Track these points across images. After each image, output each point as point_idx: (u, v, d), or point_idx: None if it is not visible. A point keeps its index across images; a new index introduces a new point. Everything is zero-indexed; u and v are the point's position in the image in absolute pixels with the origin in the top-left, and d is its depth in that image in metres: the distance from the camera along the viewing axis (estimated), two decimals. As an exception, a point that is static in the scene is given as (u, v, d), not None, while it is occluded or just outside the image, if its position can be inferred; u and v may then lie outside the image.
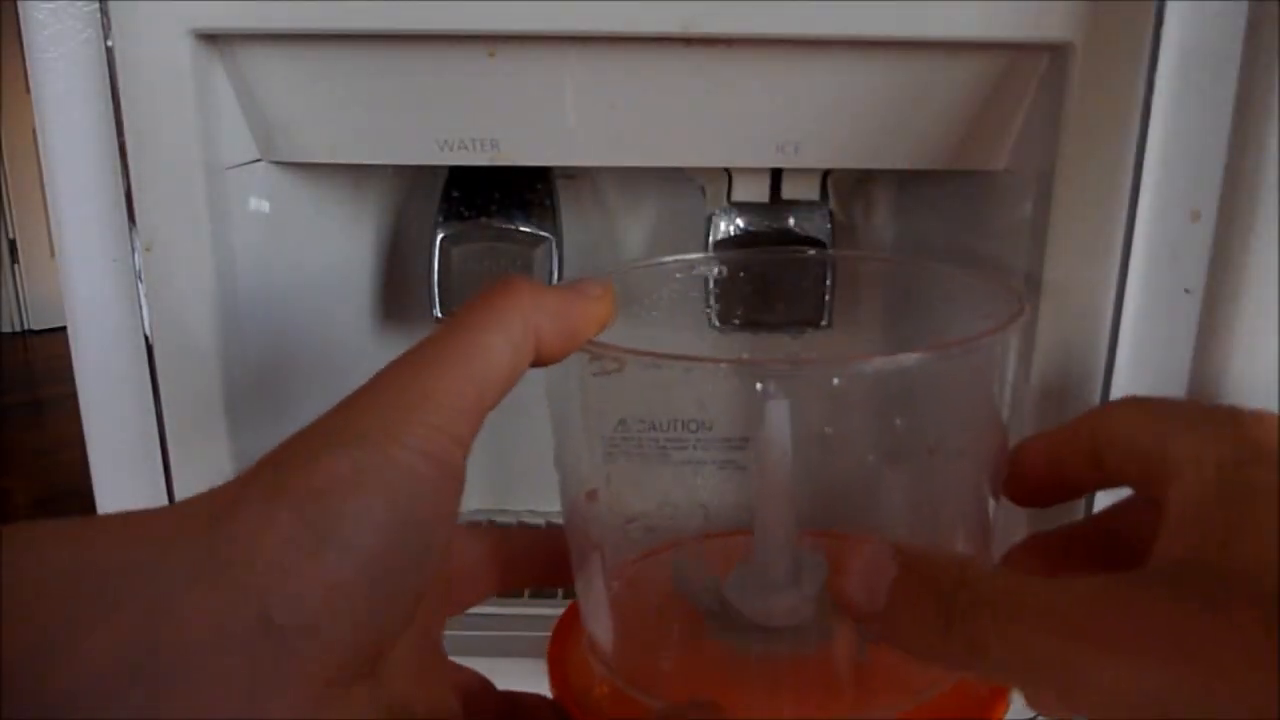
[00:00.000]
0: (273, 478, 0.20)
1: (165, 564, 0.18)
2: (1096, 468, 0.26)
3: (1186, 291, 0.35)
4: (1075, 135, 0.33)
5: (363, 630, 0.20)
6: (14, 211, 3.11)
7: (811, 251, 0.44)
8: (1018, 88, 0.35)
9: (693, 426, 0.35)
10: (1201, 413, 0.24)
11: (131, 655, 0.17)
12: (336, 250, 0.48)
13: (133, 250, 0.35)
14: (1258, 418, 0.23)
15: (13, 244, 3.19)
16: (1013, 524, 0.38)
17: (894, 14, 0.32)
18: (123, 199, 0.34)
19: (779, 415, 0.28)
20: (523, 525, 0.44)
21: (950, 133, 0.37)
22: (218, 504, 0.19)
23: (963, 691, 0.29)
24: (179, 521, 0.19)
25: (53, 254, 0.35)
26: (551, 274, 0.47)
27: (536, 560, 0.31)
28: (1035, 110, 0.36)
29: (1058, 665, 0.20)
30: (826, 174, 0.45)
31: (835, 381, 0.26)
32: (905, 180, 0.50)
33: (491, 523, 0.30)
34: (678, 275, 0.41)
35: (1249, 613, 0.19)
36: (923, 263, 0.37)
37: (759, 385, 0.28)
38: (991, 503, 0.30)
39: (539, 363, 0.25)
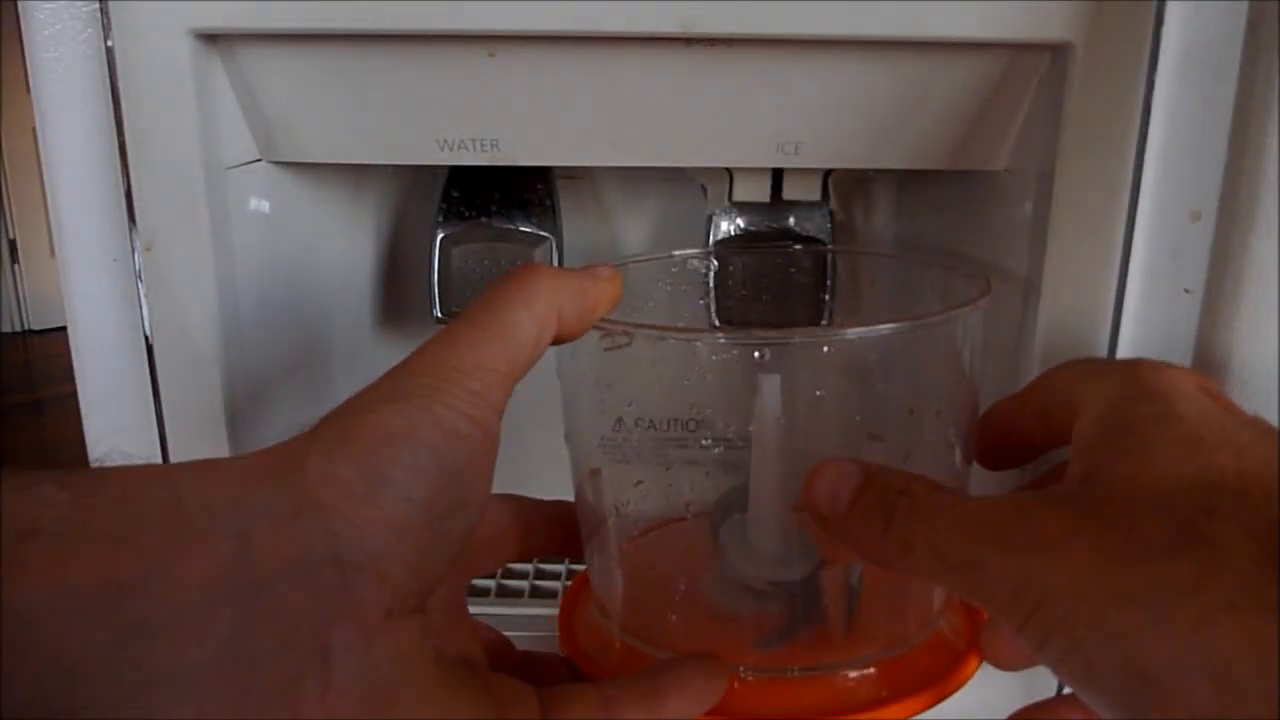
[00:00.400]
0: (332, 433, 0.22)
1: (248, 503, 0.21)
2: (1048, 427, 0.29)
3: (1186, 291, 0.35)
4: (1075, 135, 0.33)
5: (415, 567, 0.22)
6: (14, 211, 3.11)
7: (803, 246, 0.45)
8: (1018, 88, 0.35)
9: (692, 415, 0.35)
10: (1111, 365, 0.28)
11: (225, 580, 0.20)
12: (336, 250, 0.48)
13: (133, 250, 0.35)
14: (1154, 365, 0.27)
15: (13, 244, 3.19)
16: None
17: (894, 14, 0.32)
18: (123, 199, 0.34)
19: (772, 387, 0.30)
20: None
21: (950, 133, 0.37)
22: (290, 455, 0.22)
23: (938, 645, 0.32)
24: (257, 467, 0.22)
25: (53, 254, 0.35)
26: (551, 274, 0.46)
27: (553, 529, 0.33)
28: (1035, 110, 0.36)
29: (966, 564, 0.23)
30: (827, 174, 0.45)
31: (825, 349, 0.29)
32: (905, 180, 0.50)
33: (512, 494, 0.33)
34: (673, 270, 0.42)
35: (1114, 518, 0.22)
36: (914, 259, 0.40)
37: (756, 354, 0.30)
38: (965, 464, 0.32)
39: (559, 339, 0.27)
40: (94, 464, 0.37)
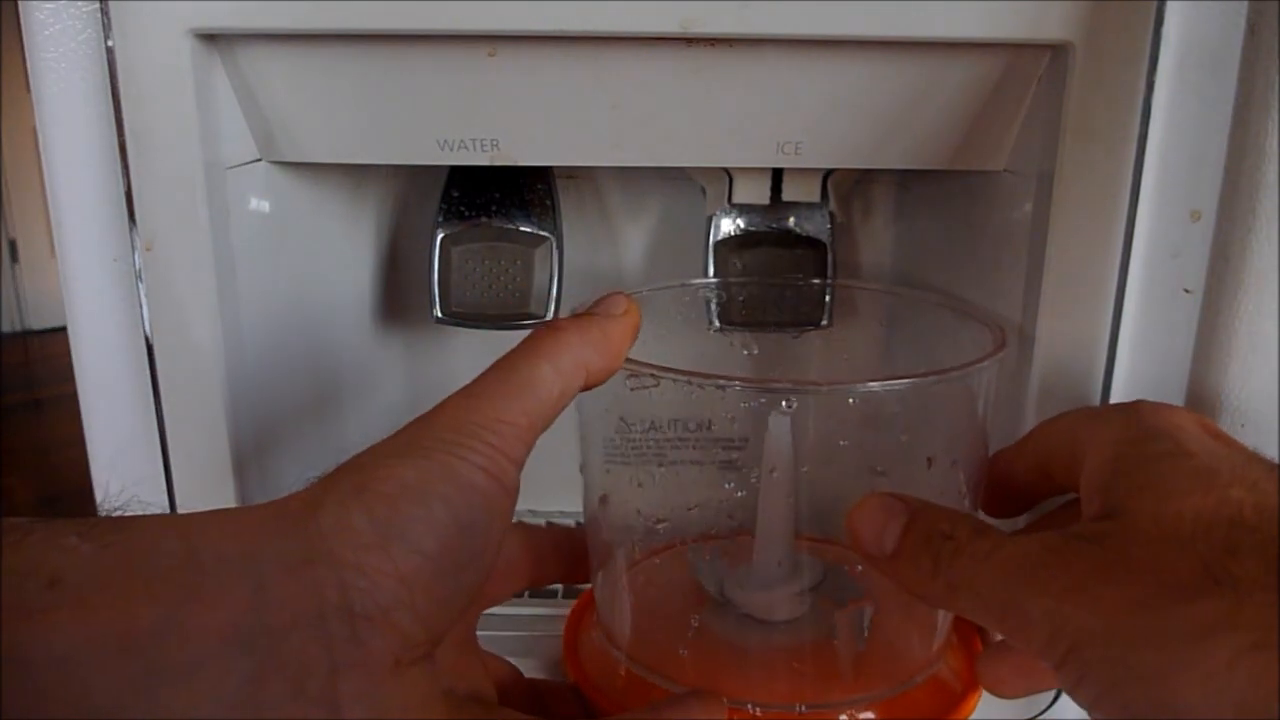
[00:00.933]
0: (347, 483, 0.23)
1: (262, 554, 0.21)
2: (1046, 477, 0.30)
3: (1186, 291, 0.35)
4: (1075, 135, 0.33)
5: (425, 618, 0.22)
6: (14, 211, 3.11)
7: (813, 280, 0.45)
8: (1018, 88, 0.35)
9: (693, 427, 0.36)
10: (1108, 409, 0.29)
11: (238, 629, 0.20)
12: (336, 250, 0.48)
13: (133, 250, 0.35)
14: (1152, 406, 0.28)
15: (13, 244, 3.19)
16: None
17: (894, 14, 0.32)
18: (123, 199, 0.34)
19: (782, 429, 0.31)
20: (550, 524, 0.44)
21: (950, 133, 0.37)
22: (304, 505, 0.22)
23: (938, 684, 0.33)
24: (274, 518, 0.22)
25: (53, 254, 0.35)
26: (551, 274, 0.47)
27: (562, 556, 0.33)
28: (1035, 110, 0.36)
29: (1006, 607, 0.24)
30: (827, 175, 0.45)
31: (850, 401, 0.29)
32: (906, 180, 0.50)
33: (522, 522, 0.33)
34: (685, 299, 0.42)
35: (1140, 558, 0.23)
36: (911, 293, 0.41)
37: (783, 403, 0.31)
38: (974, 510, 0.33)
39: (588, 386, 0.28)
40: (102, 503, 0.37)
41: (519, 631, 0.36)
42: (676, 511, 0.35)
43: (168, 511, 0.37)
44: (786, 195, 0.45)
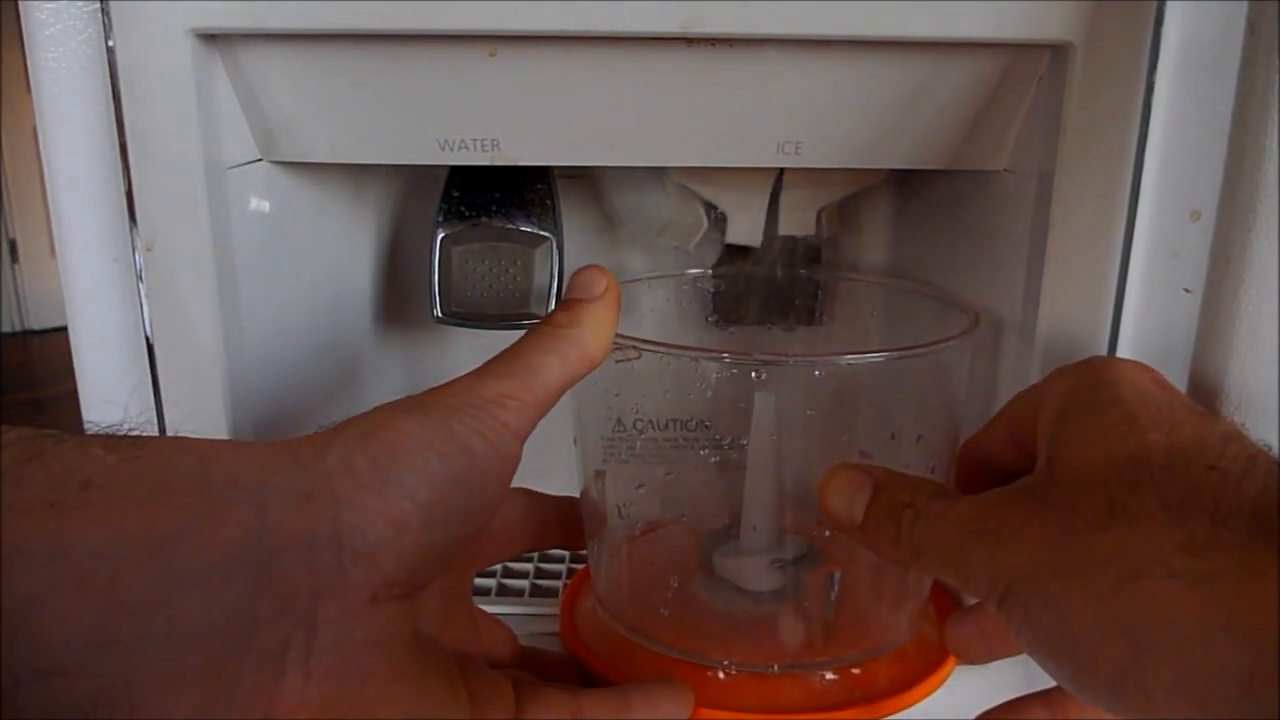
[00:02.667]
0: (357, 428, 0.25)
1: (271, 483, 0.23)
2: (1019, 447, 0.31)
3: (1186, 291, 0.35)
4: (1075, 135, 0.33)
5: (409, 561, 0.24)
6: (14, 211, 3.11)
7: (802, 272, 0.47)
8: (1018, 88, 0.35)
9: (692, 423, 0.36)
10: (1066, 367, 0.30)
11: (243, 546, 0.22)
12: (336, 250, 0.48)
13: (133, 250, 0.35)
14: (1104, 360, 0.29)
15: (13, 244, 3.19)
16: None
17: (894, 14, 0.32)
18: (123, 199, 0.34)
19: (766, 404, 0.33)
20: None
21: (950, 133, 0.37)
22: (313, 445, 0.24)
23: (910, 652, 0.34)
24: (284, 453, 0.24)
25: (53, 254, 0.35)
26: (551, 274, 0.47)
27: (562, 522, 0.35)
28: (1035, 110, 0.36)
29: (957, 560, 0.26)
30: (822, 210, 0.46)
31: (817, 373, 0.31)
32: (904, 180, 0.50)
33: (526, 489, 0.35)
34: (682, 287, 0.43)
35: (1060, 500, 0.24)
36: (899, 284, 0.44)
37: (754, 374, 0.33)
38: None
39: (590, 369, 0.30)
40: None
41: (519, 630, 0.36)
42: (669, 493, 0.37)
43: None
44: (782, 230, 0.46)
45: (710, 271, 0.46)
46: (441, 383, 0.27)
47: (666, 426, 0.36)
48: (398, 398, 0.27)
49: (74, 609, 0.20)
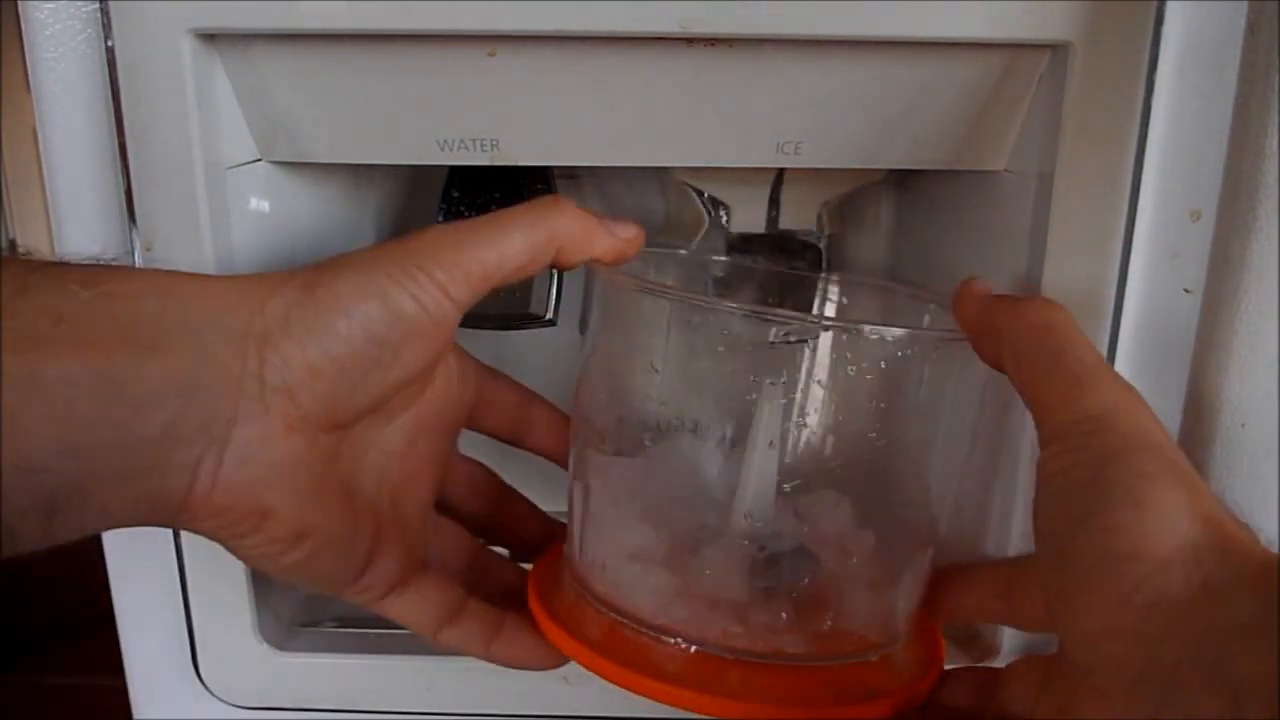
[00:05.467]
0: (303, 279, 0.28)
1: (216, 324, 0.27)
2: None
3: (1186, 291, 0.35)
4: (1075, 135, 0.33)
5: (327, 403, 0.28)
6: (14, 211, 3.11)
7: (816, 275, 0.46)
8: (1018, 88, 0.35)
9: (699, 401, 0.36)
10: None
11: (182, 380, 0.26)
12: (336, 250, 0.47)
13: (133, 250, 0.35)
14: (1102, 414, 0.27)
15: (13, 244, 3.19)
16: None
17: (894, 14, 0.32)
18: (123, 199, 0.34)
19: (773, 404, 0.32)
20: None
21: (950, 133, 0.37)
22: (266, 288, 0.28)
23: (900, 659, 0.34)
24: (237, 292, 0.28)
25: (53, 254, 0.35)
26: (551, 274, 0.47)
27: (551, 429, 0.38)
28: (1035, 110, 0.36)
29: None
30: (823, 206, 0.46)
31: (845, 337, 0.32)
32: (904, 180, 0.50)
33: (521, 387, 0.39)
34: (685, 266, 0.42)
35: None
36: (907, 291, 0.42)
37: (776, 333, 0.32)
38: (945, 496, 0.34)
39: (556, 265, 0.32)
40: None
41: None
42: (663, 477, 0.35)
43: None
44: (783, 224, 0.46)
45: (716, 257, 0.46)
46: (408, 234, 0.30)
47: (663, 424, 0.36)
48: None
49: (45, 423, 0.24)
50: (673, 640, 0.31)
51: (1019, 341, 0.29)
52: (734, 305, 0.32)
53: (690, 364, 0.34)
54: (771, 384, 0.32)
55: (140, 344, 0.26)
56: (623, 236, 0.33)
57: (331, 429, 0.29)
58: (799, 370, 0.32)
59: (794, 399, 0.32)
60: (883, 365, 0.32)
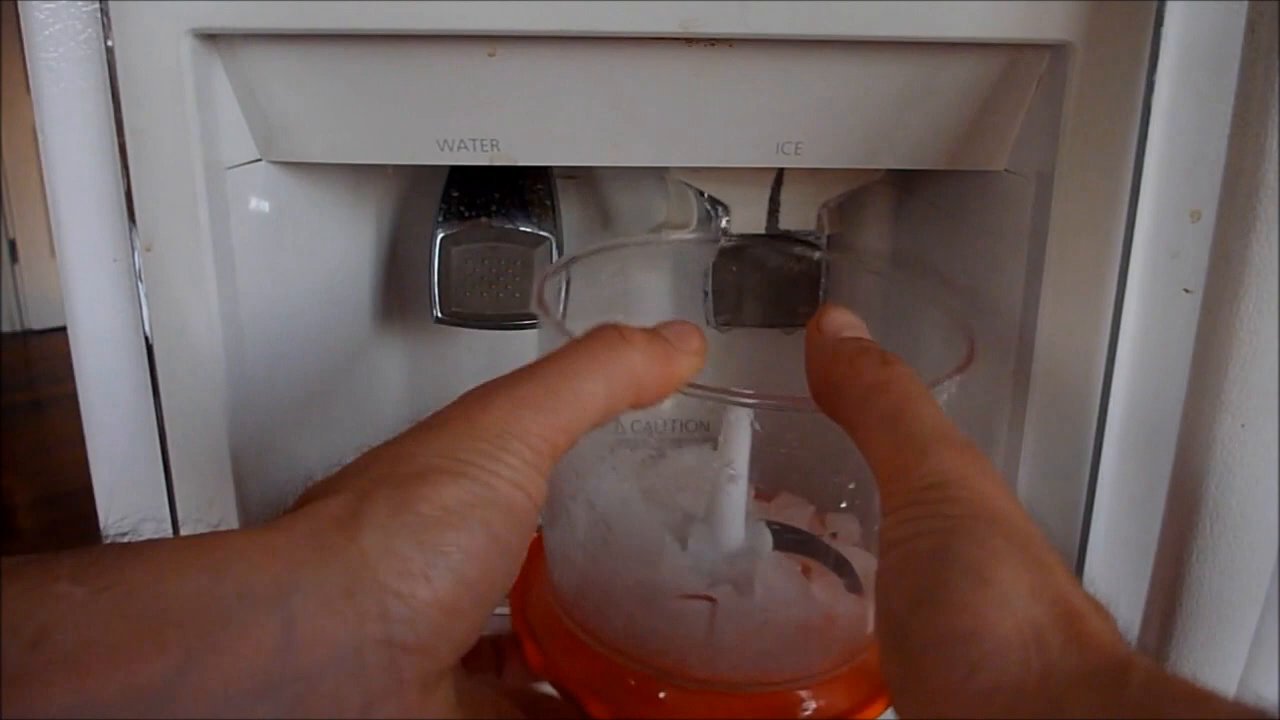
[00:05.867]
0: (387, 500, 0.21)
1: (300, 585, 0.19)
2: None
3: (1186, 291, 0.35)
4: (1075, 135, 0.33)
5: (459, 644, 0.22)
6: (14, 211, 3.11)
7: (814, 254, 0.46)
8: (1018, 88, 0.35)
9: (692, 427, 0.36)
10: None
11: (265, 674, 0.19)
12: (336, 250, 0.48)
13: (133, 250, 0.35)
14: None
15: (13, 244, 3.19)
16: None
17: (894, 14, 0.32)
18: (123, 199, 0.34)
19: (742, 427, 0.31)
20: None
21: (950, 133, 0.37)
22: (340, 524, 0.21)
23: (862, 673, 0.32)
24: (308, 540, 0.21)
25: (53, 254, 0.35)
26: (551, 274, 0.46)
27: None
28: (1035, 110, 0.36)
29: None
30: (823, 206, 0.46)
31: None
32: (904, 181, 0.50)
33: None
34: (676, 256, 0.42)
35: None
36: (903, 278, 0.41)
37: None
38: None
39: (634, 408, 0.26)
40: (94, 464, 0.37)
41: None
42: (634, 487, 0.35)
43: (169, 526, 0.37)
44: (783, 225, 0.46)
45: (702, 237, 0.46)
46: (456, 406, 0.24)
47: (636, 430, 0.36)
48: (407, 430, 0.24)
49: None
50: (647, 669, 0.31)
51: (855, 403, 0.26)
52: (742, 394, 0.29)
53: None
54: (735, 422, 0.31)
55: (186, 641, 0.18)
56: (694, 349, 0.28)
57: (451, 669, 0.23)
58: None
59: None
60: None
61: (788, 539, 0.34)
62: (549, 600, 0.34)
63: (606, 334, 0.26)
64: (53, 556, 0.19)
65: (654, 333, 0.27)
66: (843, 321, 0.29)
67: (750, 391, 0.28)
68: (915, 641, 0.21)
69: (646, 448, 0.37)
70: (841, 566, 0.33)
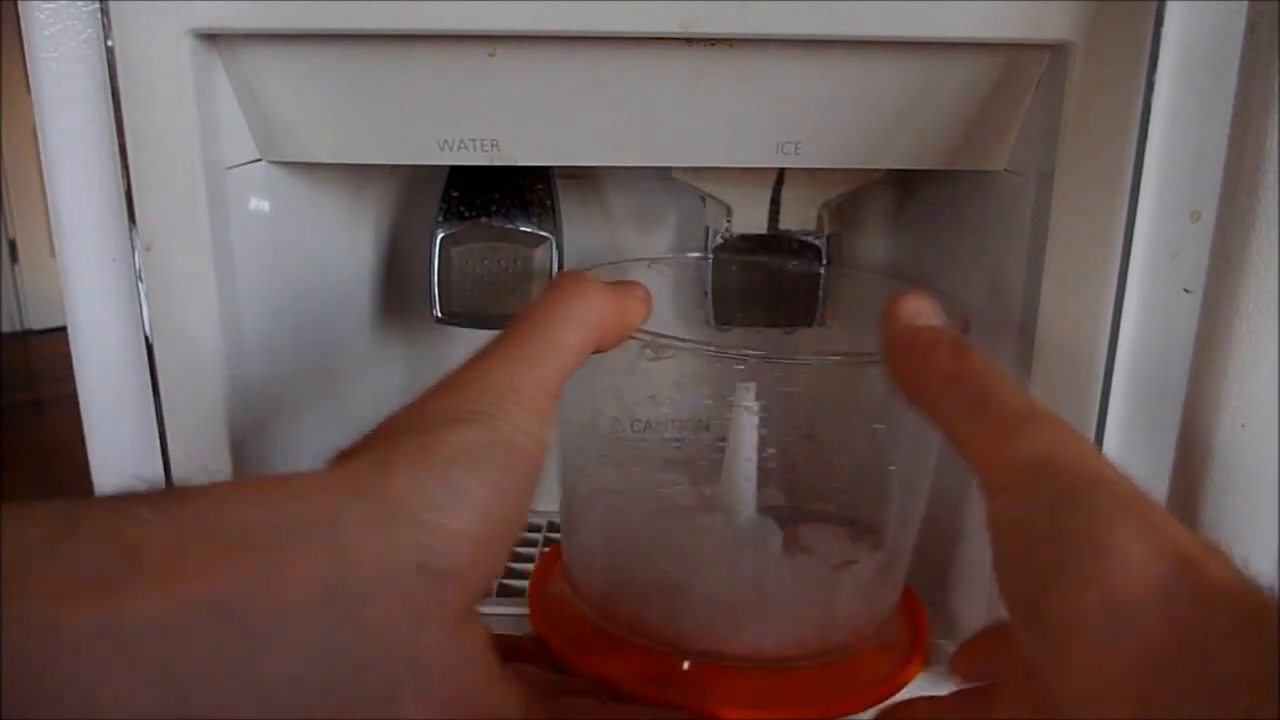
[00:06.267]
0: (412, 444, 0.23)
1: (344, 515, 0.22)
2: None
3: (1186, 291, 0.35)
4: (1075, 135, 0.33)
5: (487, 575, 0.24)
6: (14, 211, 3.11)
7: (805, 264, 0.46)
8: (1018, 88, 0.35)
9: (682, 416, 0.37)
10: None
11: (323, 590, 0.20)
12: (336, 250, 0.48)
13: (133, 250, 0.35)
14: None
15: (13, 244, 3.19)
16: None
17: (894, 14, 0.32)
18: (123, 199, 0.34)
19: (747, 392, 0.33)
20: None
21: (950, 133, 0.37)
22: (374, 466, 0.23)
23: (875, 654, 0.34)
24: (343, 481, 0.23)
25: (53, 254, 0.35)
26: (551, 274, 0.47)
27: None
28: (1035, 110, 0.36)
29: None
30: (823, 206, 0.46)
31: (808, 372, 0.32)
32: (904, 181, 0.50)
33: None
34: (676, 269, 0.43)
35: None
36: (895, 282, 0.43)
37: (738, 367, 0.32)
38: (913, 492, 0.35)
39: (595, 351, 0.29)
40: (94, 464, 0.37)
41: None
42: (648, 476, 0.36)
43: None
44: (784, 224, 0.46)
45: (707, 256, 0.46)
46: (457, 373, 0.26)
47: (652, 425, 0.36)
48: (420, 395, 0.26)
49: (135, 688, 0.18)
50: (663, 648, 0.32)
51: (935, 395, 0.27)
52: (694, 343, 0.32)
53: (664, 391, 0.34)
54: (744, 404, 0.33)
55: (252, 557, 0.20)
56: (640, 296, 0.30)
57: (481, 601, 0.25)
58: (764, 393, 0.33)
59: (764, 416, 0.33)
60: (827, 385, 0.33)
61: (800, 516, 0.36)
62: (568, 600, 0.35)
63: (568, 284, 0.28)
64: (121, 494, 0.21)
65: (607, 283, 0.29)
66: (914, 309, 0.30)
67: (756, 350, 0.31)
68: (1053, 622, 0.22)
69: (649, 442, 0.37)
70: (861, 537, 0.34)
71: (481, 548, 0.23)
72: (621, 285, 0.30)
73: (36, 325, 3.19)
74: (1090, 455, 0.24)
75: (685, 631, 0.32)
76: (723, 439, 0.34)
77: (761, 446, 0.33)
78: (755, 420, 0.33)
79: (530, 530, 0.52)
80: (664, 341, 0.31)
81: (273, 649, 0.20)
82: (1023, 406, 0.26)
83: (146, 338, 0.35)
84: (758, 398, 0.33)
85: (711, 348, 0.32)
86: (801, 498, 0.35)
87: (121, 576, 0.19)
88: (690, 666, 0.32)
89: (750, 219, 0.46)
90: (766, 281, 0.47)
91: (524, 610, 0.38)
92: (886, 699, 0.32)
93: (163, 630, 0.19)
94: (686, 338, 0.31)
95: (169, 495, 0.22)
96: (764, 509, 0.35)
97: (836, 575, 0.33)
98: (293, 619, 0.20)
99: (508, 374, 0.26)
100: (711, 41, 0.33)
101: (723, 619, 0.33)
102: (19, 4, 0.32)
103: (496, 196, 0.46)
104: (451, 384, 0.26)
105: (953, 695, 0.31)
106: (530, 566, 0.48)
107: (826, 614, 0.33)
